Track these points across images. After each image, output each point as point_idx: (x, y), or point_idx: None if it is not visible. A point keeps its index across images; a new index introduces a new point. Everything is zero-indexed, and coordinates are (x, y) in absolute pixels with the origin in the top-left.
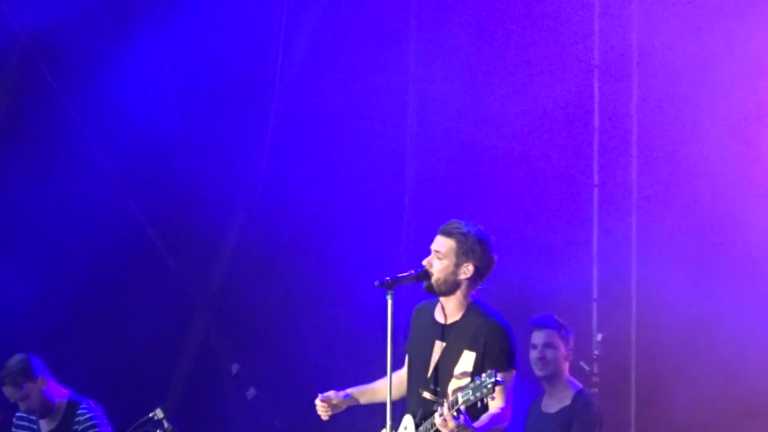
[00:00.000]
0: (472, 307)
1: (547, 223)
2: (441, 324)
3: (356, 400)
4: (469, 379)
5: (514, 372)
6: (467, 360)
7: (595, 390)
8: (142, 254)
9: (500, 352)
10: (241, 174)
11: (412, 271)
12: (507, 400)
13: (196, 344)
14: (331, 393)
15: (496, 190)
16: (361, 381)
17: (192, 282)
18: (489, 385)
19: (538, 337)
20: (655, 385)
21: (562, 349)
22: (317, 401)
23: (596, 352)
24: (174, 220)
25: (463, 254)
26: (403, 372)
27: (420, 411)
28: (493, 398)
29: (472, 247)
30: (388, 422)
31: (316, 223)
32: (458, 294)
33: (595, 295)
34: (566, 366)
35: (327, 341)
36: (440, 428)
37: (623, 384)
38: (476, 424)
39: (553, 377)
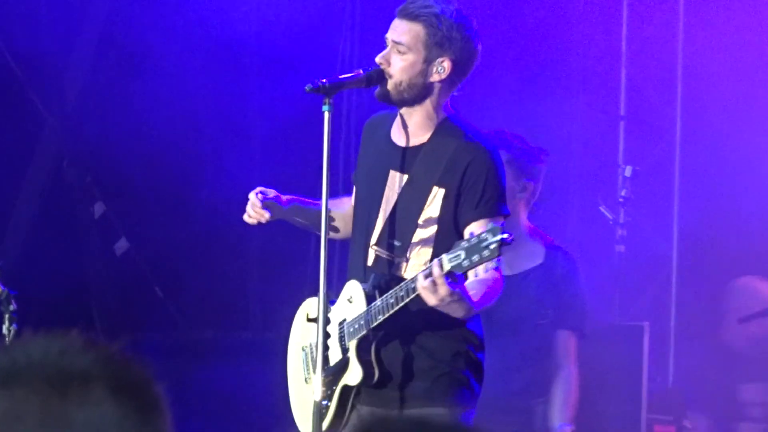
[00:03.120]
0: (445, 124)
1: None
2: (400, 147)
3: (291, 214)
4: (435, 228)
5: (502, 220)
6: (435, 200)
7: (621, 248)
8: None
9: (486, 190)
10: None
11: (360, 71)
12: (498, 262)
13: (43, 175)
14: (271, 192)
15: None
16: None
17: (36, 89)
18: (493, 246)
19: None
20: (703, 243)
21: (509, 181)
22: (252, 196)
23: (623, 192)
24: None
25: (436, 45)
26: (351, 203)
27: (372, 276)
28: (497, 262)
29: (449, 33)
30: (321, 289)
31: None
32: (427, 104)
33: (622, 111)
34: (521, 207)
35: (233, 174)
36: (424, 294)
37: (662, 240)
38: (471, 295)
39: (510, 222)
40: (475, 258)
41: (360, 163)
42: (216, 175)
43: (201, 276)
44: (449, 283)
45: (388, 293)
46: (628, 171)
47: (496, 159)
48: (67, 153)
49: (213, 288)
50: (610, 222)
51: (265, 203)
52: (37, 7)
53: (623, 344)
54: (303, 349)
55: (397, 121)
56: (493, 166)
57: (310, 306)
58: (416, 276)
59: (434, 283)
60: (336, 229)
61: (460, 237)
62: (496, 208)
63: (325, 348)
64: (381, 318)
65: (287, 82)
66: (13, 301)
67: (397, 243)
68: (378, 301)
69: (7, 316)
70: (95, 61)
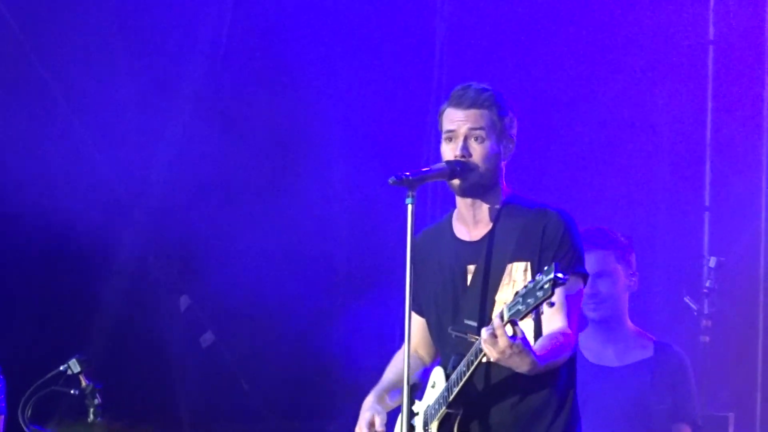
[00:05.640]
0: (507, 205)
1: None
2: (470, 242)
3: (389, 408)
4: None
5: (582, 280)
6: (516, 275)
7: (706, 339)
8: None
9: (560, 250)
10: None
11: (443, 164)
12: (571, 320)
13: (127, 271)
14: (375, 419)
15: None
16: (364, 326)
17: (123, 182)
18: (546, 285)
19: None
20: None
21: (622, 278)
22: None
23: (708, 283)
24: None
25: (506, 126)
26: (413, 350)
27: (453, 358)
28: (551, 304)
29: (511, 113)
30: (405, 398)
31: (296, 97)
32: (497, 188)
33: (707, 202)
34: (626, 302)
35: (315, 270)
36: (486, 348)
37: (747, 331)
38: (536, 350)
39: (613, 319)
40: (531, 300)
41: (423, 284)
42: (295, 268)
43: (286, 369)
44: (510, 337)
45: (460, 363)
46: (712, 262)
47: (568, 220)
48: (152, 248)
49: (298, 380)
50: (695, 313)
51: None
52: (122, 113)
53: None
54: None
55: (459, 218)
56: (568, 227)
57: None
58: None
59: (494, 335)
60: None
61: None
62: (571, 267)
63: None
64: (456, 389)
65: (371, 171)
66: (98, 395)
67: (471, 323)
68: (453, 375)
69: (92, 410)
70: (177, 153)
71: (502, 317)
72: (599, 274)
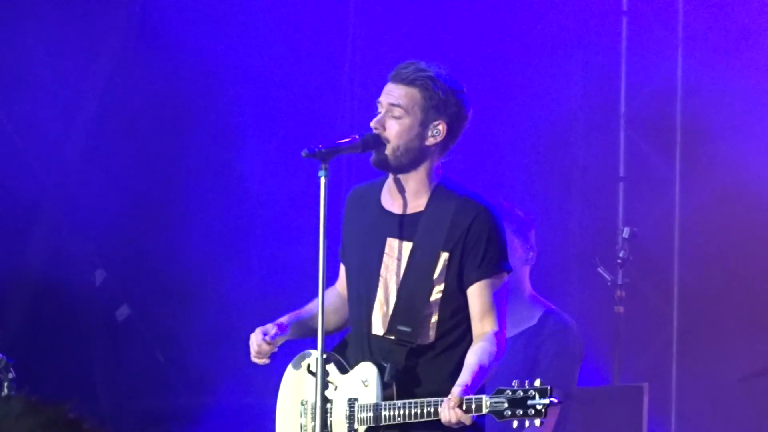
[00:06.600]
0: (440, 188)
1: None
2: (396, 214)
3: (292, 336)
4: (441, 293)
5: (507, 275)
6: (442, 265)
7: (620, 309)
8: None
9: (488, 249)
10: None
11: (356, 136)
12: (501, 317)
13: (43, 244)
14: (270, 328)
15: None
16: (285, 300)
17: (36, 156)
18: (540, 407)
19: None
20: (703, 304)
21: (519, 251)
22: (253, 339)
23: (621, 253)
24: None
25: (432, 108)
26: (338, 289)
27: (389, 366)
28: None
29: (445, 96)
30: (319, 361)
31: (212, 70)
32: (422, 169)
33: (621, 172)
34: (526, 274)
35: (229, 239)
36: (446, 422)
37: (661, 301)
38: (468, 377)
39: (510, 291)
40: (519, 412)
41: (347, 238)
42: (211, 237)
43: (202, 343)
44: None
45: (416, 402)
46: (626, 232)
47: (496, 216)
48: (67, 221)
49: (214, 355)
50: (609, 284)
51: (269, 343)
52: (37, 78)
53: (623, 405)
54: (302, 404)
55: (389, 188)
56: (495, 223)
57: (312, 358)
58: (450, 402)
59: (459, 420)
60: (330, 325)
61: (464, 296)
62: (499, 265)
63: (326, 422)
64: (400, 422)
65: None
66: (12, 369)
67: (405, 329)
68: (400, 404)
69: (6, 384)
70: (95, 129)
71: (468, 409)
72: None
